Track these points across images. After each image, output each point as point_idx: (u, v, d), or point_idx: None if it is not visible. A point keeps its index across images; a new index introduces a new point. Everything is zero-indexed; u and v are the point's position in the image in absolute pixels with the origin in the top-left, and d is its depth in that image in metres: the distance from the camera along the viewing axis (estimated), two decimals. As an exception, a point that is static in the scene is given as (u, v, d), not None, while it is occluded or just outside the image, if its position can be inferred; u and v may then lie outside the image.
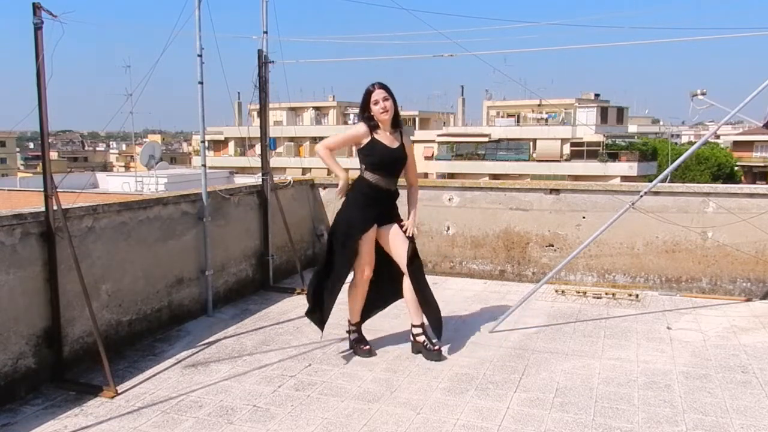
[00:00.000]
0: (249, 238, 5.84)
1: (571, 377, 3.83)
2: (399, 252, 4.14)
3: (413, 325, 4.26)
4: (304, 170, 44.49)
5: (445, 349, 4.28)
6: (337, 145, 4.17)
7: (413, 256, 4.16)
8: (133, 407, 3.47)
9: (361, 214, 4.08)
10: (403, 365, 4.05)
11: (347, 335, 4.41)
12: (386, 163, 4.09)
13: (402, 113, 4.64)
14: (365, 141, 4.06)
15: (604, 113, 46.42)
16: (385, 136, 4.08)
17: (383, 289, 4.36)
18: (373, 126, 4.07)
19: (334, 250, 4.12)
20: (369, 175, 4.08)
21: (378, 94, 4.02)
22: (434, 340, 4.22)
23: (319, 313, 4.21)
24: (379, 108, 4.02)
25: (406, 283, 4.18)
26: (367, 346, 4.29)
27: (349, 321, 4.40)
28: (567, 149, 44.27)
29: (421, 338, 4.22)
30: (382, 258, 4.24)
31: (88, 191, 17.95)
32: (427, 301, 4.21)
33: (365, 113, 4.08)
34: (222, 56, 5.21)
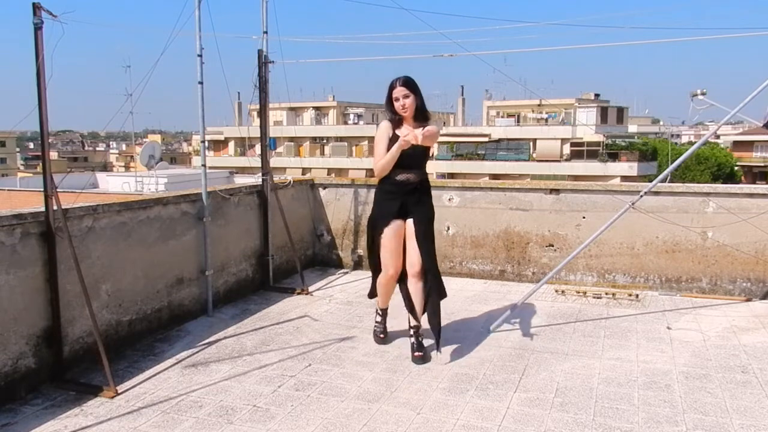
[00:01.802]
0: (249, 238, 5.84)
1: (571, 377, 3.83)
2: (408, 252, 4.15)
3: (410, 326, 4.25)
4: (304, 170, 44.57)
5: (444, 349, 4.28)
6: (383, 159, 4.02)
7: (430, 262, 4.12)
8: (133, 407, 3.47)
9: (384, 207, 4.15)
10: (403, 365, 4.05)
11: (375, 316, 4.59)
12: (402, 157, 4.00)
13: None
14: (389, 137, 4.03)
15: (604, 113, 46.41)
16: (406, 131, 3.97)
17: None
18: (397, 120, 4.06)
19: (369, 246, 4.37)
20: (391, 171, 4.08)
21: (398, 92, 4.00)
22: (422, 347, 4.16)
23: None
24: (399, 105, 4.02)
25: (413, 287, 4.15)
26: (383, 335, 4.46)
27: (377, 305, 4.53)
28: (567, 149, 44.27)
29: (412, 339, 4.21)
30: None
31: (88, 191, 17.96)
32: (433, 311, 4.18)
33: (390, 107, 4.06)
34: (222, 56, 5.22)
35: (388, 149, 4.00)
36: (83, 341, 4.02)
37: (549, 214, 6.10)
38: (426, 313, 4.21)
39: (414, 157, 4.05)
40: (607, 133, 43.62)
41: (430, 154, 4.19)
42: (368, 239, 4.38)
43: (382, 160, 4.02)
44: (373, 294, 4.60)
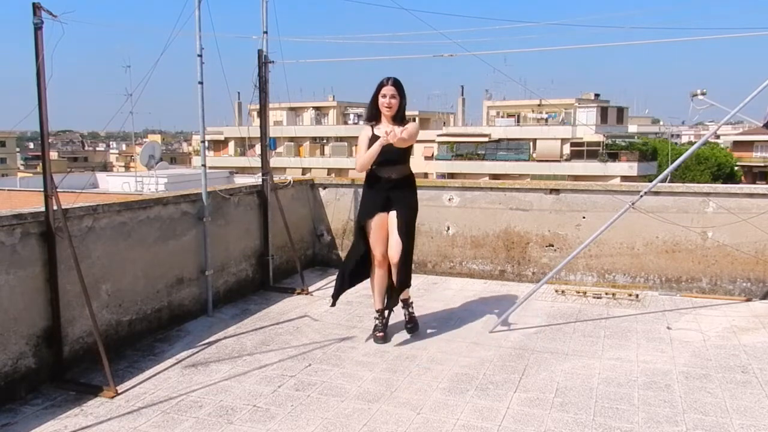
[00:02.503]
0: (249, 238, 5.84)
1: (571, 377, 3.83)
2: (390, 242, 4.43)
3: (401, 306, 4.62)
4: (304, 170, 44.55)
5: (444, 349, 4.30)
6: (364, 155, 4.37)
7: (407, 253, 4.40)
8: (133, 407, 3.47)
9: (368, 201, 4.48)
10: (403, 365, 4.05)
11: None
12: (385, 155, 4.29)
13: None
14: (369, 138, 4.37)
15: (604, 113, 46.38)
16: (384, 128, 4.31)
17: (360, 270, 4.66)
18: (375, 117, 4.41)
19: (355, 235, 4.64)
20: (373, 167, 4.41)
21: (388, 90, 4.31)
22: (412, 319, 4.62)
23: (336, 285, 4.66)
24: (385, 102, 4.31)
25: (393, 270, 4.43)
26: (381, 333, 4.49)
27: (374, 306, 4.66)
28: (567, 149, 44.26)
29: (404, 311, 4.62)
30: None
31: (88, 191, 17.96)
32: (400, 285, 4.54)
33: (373, 103, 4.38)
34: (222, 56, 5.22)
35: (369, 148, 4.32)
36: (83, 341, 4.02)
37: (549, 214, 6.10)
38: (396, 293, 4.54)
39: (395, 155, 4.33)
40: (607, 133, 43.59)
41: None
42: (355, 231, 4.68)
43: (363, 156, 4.34)
44: (336, 294, 4.68)
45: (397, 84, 4.32)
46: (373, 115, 4.41)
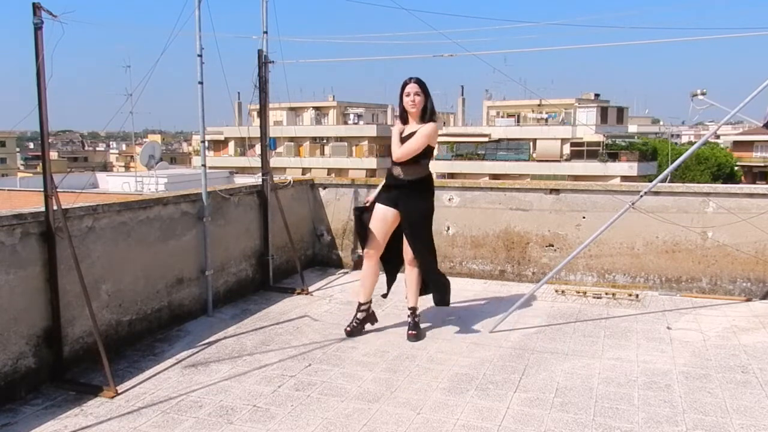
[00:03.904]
0: (249, 238, 5.84)
1: (571, 377, 3.83)
2: (405, 242, 4.54)
3: (408, 307, 4.65)
4: (304, 170, 44.54)
5: (444, 349, 4.30)
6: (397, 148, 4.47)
7: (421, 253, 4.49)
8: (133, 407, 3.47)
9: (383, 191, 4.60)
10: (403, 365, 4.05)
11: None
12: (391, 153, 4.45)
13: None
14: (400, 133, 4.45)
15: (604, 113, 46.38)
16: (410, 129, 4.41)
17: (392, 263, 4.78)
18: (405, 119, 4.47)
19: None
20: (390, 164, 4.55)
21: (411, 88, 4.38)
22: (416, 327, 4.57)
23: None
24: (409, 100, 4.38)
25: (407, 273, 4.58)
26: (349, 329, 4.58)
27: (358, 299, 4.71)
28: (567, 149, 44.25)
29: (408, 319, 4.61)
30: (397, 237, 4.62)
31: (88, 191, 17.94)
32: (435, 286, 4.63)
33: (400, 103, 4.46)
34: (222, 56, 5.22)
35: (402, 141, 4.41)
36: (83, 341, 4.02)
37: (549, 214, 6.10)
38: (432, 294, 4.65)
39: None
40: (607, 133, 43.59)
41: (433, 155, 4.56)
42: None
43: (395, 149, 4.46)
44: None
45: (419, 82, 4.39)
46: (404, 117, 4.46)
